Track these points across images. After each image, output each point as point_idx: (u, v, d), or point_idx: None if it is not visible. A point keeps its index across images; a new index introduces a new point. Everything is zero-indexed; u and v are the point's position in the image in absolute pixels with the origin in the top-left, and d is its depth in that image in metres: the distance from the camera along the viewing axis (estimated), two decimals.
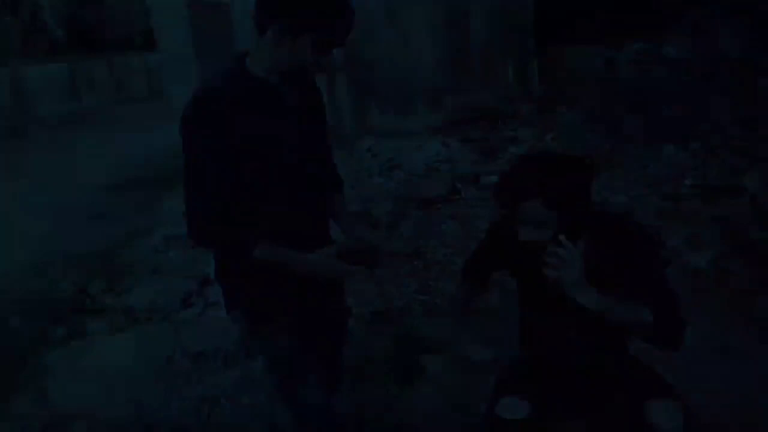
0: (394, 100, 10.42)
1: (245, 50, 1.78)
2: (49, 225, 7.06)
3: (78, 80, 22.13)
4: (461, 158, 6.82)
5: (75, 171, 10.48)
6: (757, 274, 3.53)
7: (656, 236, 1.94)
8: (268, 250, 1.65)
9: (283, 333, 1.84)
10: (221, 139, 1.62)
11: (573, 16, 15.11)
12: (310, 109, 1.88)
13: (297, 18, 1.61)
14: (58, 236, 6.58)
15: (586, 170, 1.79)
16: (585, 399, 1.97)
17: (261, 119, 1.68)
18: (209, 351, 3.40)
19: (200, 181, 1.67)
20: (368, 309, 3.74)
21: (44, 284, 5.01)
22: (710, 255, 3.79)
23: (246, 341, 2.94)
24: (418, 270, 4.29)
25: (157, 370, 3.34)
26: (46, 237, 6.57)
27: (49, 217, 7.41)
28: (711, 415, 2.30)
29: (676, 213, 4.44)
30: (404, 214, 5.52)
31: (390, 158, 7.61)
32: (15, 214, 7.82)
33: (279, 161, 1.73)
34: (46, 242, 6.34)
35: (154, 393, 3.19)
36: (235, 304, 1.91)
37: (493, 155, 7.02)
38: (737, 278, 3.60)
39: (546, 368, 2.00)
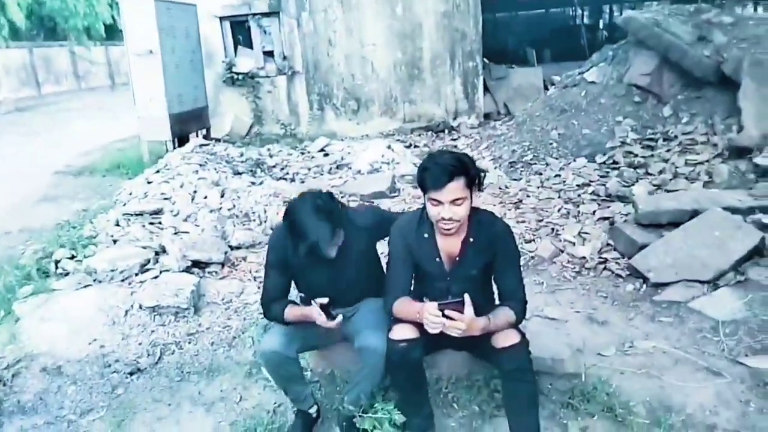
0: (350, 106, 11.02)
1: None
2: (5, 203, 7.42)
3: (38, 68, 21.99)
4: (403, 161, 7.46)
5: (33, 156, 10.72)
6: (626, 264, 4.28)
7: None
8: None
9: None
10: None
11: (519, 43, 16.09)
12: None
13: None
14: (15, 213, 6.96)
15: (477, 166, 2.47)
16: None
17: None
18: (162, 307, 3.93)
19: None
20: None
21: (10, 252, 5.44)
22: (593, 247, 4.55)
23: None
24: None
25: (116, 320, 3.86)
26: (3, 214, 6.95)
27: (6, 197, 7.75)
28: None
29: (575, 213, 5.21)
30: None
31: (340, 158, 8.20)
32: None
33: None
34: (3, 219, 6.72)
35: (112, 338, 3.71)
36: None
37: None
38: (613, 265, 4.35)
39: None
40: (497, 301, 2.62)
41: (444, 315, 2.28)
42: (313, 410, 2.81)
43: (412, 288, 2.70)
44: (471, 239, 2.51)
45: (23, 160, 10.35)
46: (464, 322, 2.27)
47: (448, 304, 2.31)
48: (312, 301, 2.54)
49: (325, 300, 2.53)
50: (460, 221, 2.41)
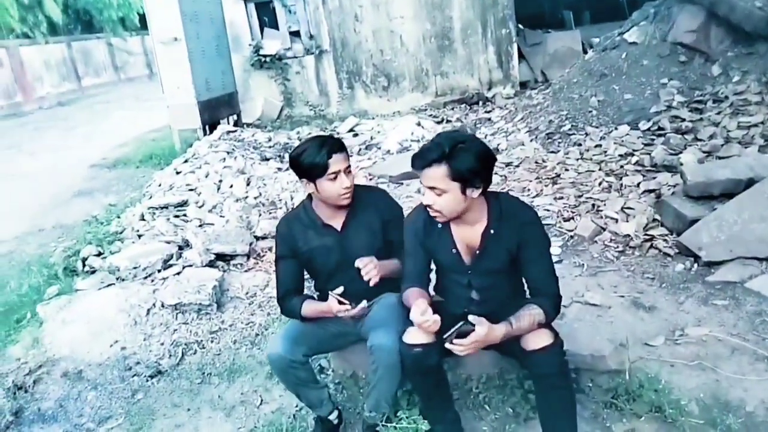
0: (380, 83, 10.73)
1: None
2: (42, 198, 7.50)
3: (78, 61, 22.34)
4: None
5: (71, 150, 10.85)
6: (675, 242, 3.94)
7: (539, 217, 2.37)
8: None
9: None
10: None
11: (555, 6, 15.41)
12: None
13: None
14: (51, 209, 7.02)
15: (489, 155, 2.17)
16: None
17: None
18: (185, 304, 3.82)
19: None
20: None
21: (41, 250, 5.46)
22: (638, 224, 4.21)
23: None
24: None
25: (138, 320, 3.77)
26: (40, 209, 7.02)
27: (44, 192, 7.84)
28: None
29: (617, 187, 4.85)
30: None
31: (370, 138, 7.97)
32: (14, 189, 8.26)
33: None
34: (40, 215, 6.79)
35: (134, 339, 3.63)
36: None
37: None
38: (660, 243, 4.02)
39: (449, 310, 2.41)
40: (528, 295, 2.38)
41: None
42: (333, 416, 2.64)
43: (432, 282, 2.51)
44: (491, 230, 2.25)
45: (62, 155, 10.49)
46: (478, 339, 2.04)
47: (453, 333, 2.06)
48: (329, 294, 2.35)
49: (340, 289, 2.34)
50: (441, 212, 2.17)
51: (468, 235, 2.29)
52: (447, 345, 2.06)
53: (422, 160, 2.10)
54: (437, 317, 2.11)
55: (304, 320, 2.50)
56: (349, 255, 2.45)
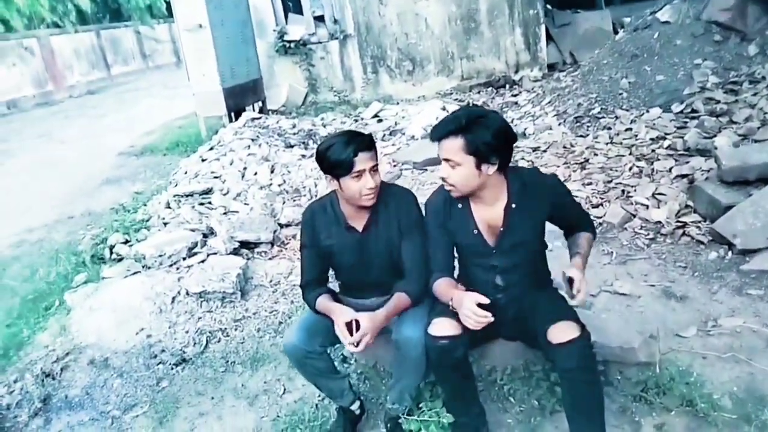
0: (405, 67, 10.62)
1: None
2: (71, 186, 7.61)
3: (107, 50, 22.59)
4: None
5: (100, 138, 11.00)
6: (708, 229, 3.81)
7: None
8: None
9: None
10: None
11: None
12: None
13: None
14: (80, 197, 7.12)
15: (507, 132, 2.14)
16: (504, 325, 2.35)
17: None
18: (209, 292, 3.83)
19: None
20: None
21: (70, 237, 5.54)
22: (670, 210, 4.09)
23: None
24: None
25: (163, 308, 3.79)
26: (69, 197, 7.12)
27: (73, 180, 7.95)
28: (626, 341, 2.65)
29: (648, 172, 4.71)
30: (399, 175, 5.88)
31: (394, 123, 7.89)
32: (45, 177, 8.40)
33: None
34: (69, 203, 6.89)
35: (159, 327, 3.65)
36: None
37: None
38: (693, 230, 3.90)
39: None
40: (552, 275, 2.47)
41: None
42: (355, 406, 2.62)
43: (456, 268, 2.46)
44: (513, 205, 2.22)
45: (91, 143, 10.63)
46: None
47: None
48: (340, 309, 2.31)
49: (351, 315, 2.27)
50: (456, 186, 2.17)
51: (489, 216, 2.27)
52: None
53: (439, 131, 2.13)
54: (489, 315, 2.07)
55: (317, 313, 2.47)
56: (368, 255, 2.43)
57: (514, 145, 2.21)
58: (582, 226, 2.41)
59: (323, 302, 2.42)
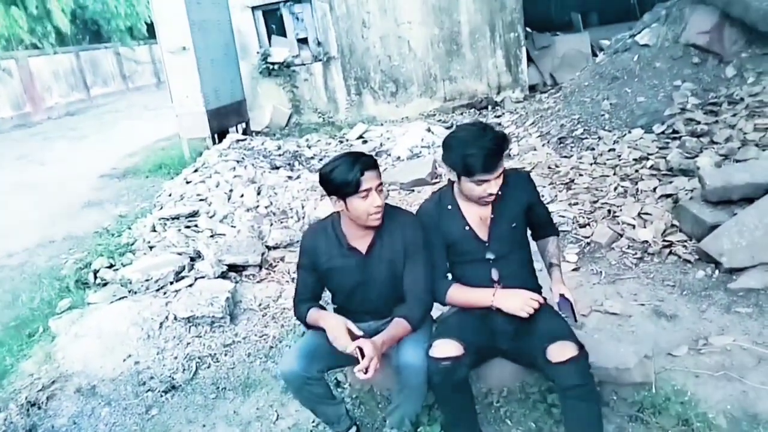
0: (388, 88, 10.70)
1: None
2: (52, 209, 7.49)
3: (86, 71, 22.44)
4: None
5: (80, 160, 10.87)
6: (695, 248, 3.87)
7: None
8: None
9: None
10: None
11: (562, 8, 15.30)
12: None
13: None
14: (61, 220, 7.01)
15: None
16: (504, 342, 2.37)
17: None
18: (198, 317, 3.78)
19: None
20: None
21: (52, 262, 5.44)
22: (656, 229, 4.14)
23: None
24: None
25: (151, 333, 3.73)
26: (50, 220, 7.00)
27: (54, 203, 7.84)
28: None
29: (633, 192, 4.78)
30: (386, 196, 5.88)
31: (379, 144, 7.92)
32: (24, 200, 8.26)
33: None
34: (50, 226, 6.77)
35: (147, 353, 3.58)
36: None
37: None
38: (679, 249, 3.94)
39: (474, 319, 2.39)
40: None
41: None
42: None
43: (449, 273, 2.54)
44: (499, 192, 2.36)
45: (71, 165, 10.51)
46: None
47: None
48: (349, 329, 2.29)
49: (344, 323, 2.27)
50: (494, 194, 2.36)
51: (478, 210, 2.41)
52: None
53: (497, 157, 2.24)
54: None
55: (309, 327, 2.45)
56: (369, 277, 2.41)
57: None
58: (548, 227, 2.66)
59: (314, 313, 2.41)
